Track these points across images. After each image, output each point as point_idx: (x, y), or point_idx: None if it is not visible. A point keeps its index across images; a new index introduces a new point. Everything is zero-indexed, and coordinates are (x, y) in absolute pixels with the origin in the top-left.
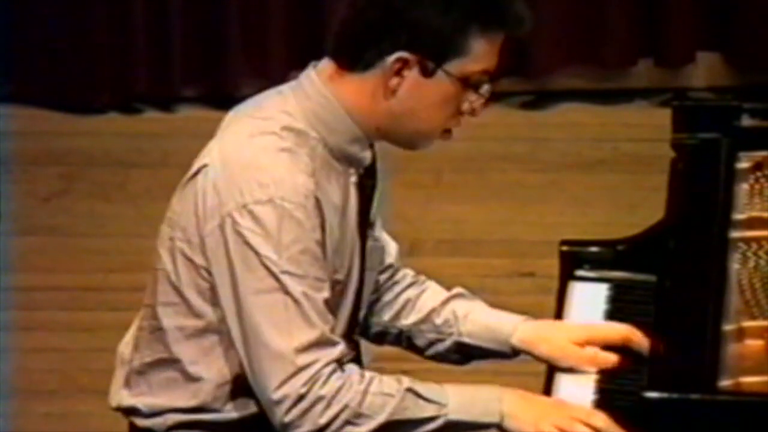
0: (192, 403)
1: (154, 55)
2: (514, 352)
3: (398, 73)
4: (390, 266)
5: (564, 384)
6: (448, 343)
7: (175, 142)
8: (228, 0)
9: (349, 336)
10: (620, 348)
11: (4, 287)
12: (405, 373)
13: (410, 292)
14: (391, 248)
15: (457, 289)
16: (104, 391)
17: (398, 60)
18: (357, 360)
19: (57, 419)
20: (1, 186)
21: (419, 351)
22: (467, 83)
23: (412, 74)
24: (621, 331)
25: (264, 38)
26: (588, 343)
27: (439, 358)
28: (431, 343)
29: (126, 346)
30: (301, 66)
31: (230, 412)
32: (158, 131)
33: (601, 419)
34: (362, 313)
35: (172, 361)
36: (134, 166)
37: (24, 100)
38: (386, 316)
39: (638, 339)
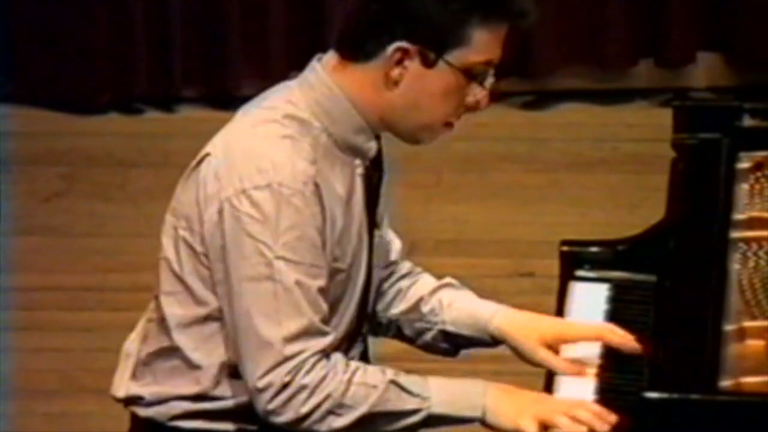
0: (194, 390)
1: (154, 55)
2: (494, 340)
3: (399, 63)
4: (393, 263)
5: (564, 384)
6: (434, 331)
7: (175, 143)
8: (228, 0)
9: (356, 332)
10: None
11: (4, 287)
12: (406, 372)
13: (402, 283)
14: (395, 245)
15: (447, 279)
16: (104, 391)
17: (398, 50)
18: (364, 355)
19: (57, 419)
20: (1, 186)
21: (410, 341)
22: (469, 74)
23: (414, 65)
24: (595, 329)
25: (264, 38)
26: (560, 341)
27: (429, 348)
28: (419, 333)
29: (131, 343)
30: (301, 66)
31: (230, 400)
32: (159, 131)
33: (584, 411)
34: (369, 310)
35: (174, 350)
36: (134, 166)
37: (24, 100)
38: (378, 305)
39: (612, 337)
